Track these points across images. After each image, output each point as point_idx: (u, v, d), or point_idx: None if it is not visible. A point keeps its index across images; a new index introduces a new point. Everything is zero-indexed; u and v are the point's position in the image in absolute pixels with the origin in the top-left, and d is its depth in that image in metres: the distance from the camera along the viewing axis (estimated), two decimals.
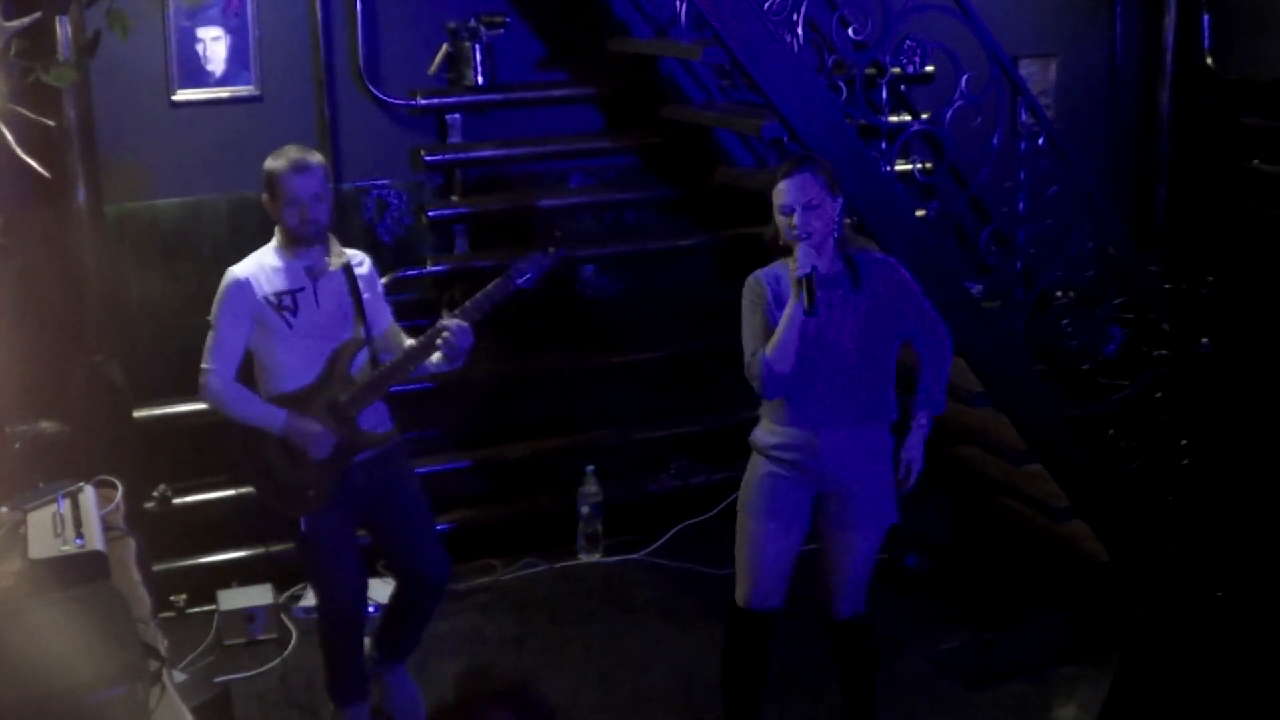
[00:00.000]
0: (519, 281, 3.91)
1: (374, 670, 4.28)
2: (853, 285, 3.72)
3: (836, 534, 3.86)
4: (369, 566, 4.41)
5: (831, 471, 3.79)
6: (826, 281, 3.68)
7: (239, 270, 3.86)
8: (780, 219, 3.68)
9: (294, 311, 3.84)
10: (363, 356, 3.95)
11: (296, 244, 3.86)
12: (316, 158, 3.86)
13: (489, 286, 3.91)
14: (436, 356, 3.91)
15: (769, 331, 3.68)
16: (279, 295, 3.84)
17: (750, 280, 3.79)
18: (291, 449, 3.86)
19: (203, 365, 3.85)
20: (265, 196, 3.85)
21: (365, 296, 3.97)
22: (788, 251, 3.69)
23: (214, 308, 3.86)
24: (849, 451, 3.78)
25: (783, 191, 3.65)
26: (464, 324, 3.86)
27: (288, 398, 3.87)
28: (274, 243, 3.92)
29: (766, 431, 3.84)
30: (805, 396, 3.73)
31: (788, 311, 3.63)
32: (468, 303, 3.91)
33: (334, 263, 3.92)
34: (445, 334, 3.84)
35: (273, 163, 3.82)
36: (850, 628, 3.96)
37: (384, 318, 4.08)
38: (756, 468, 3.87)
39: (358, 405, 3.90)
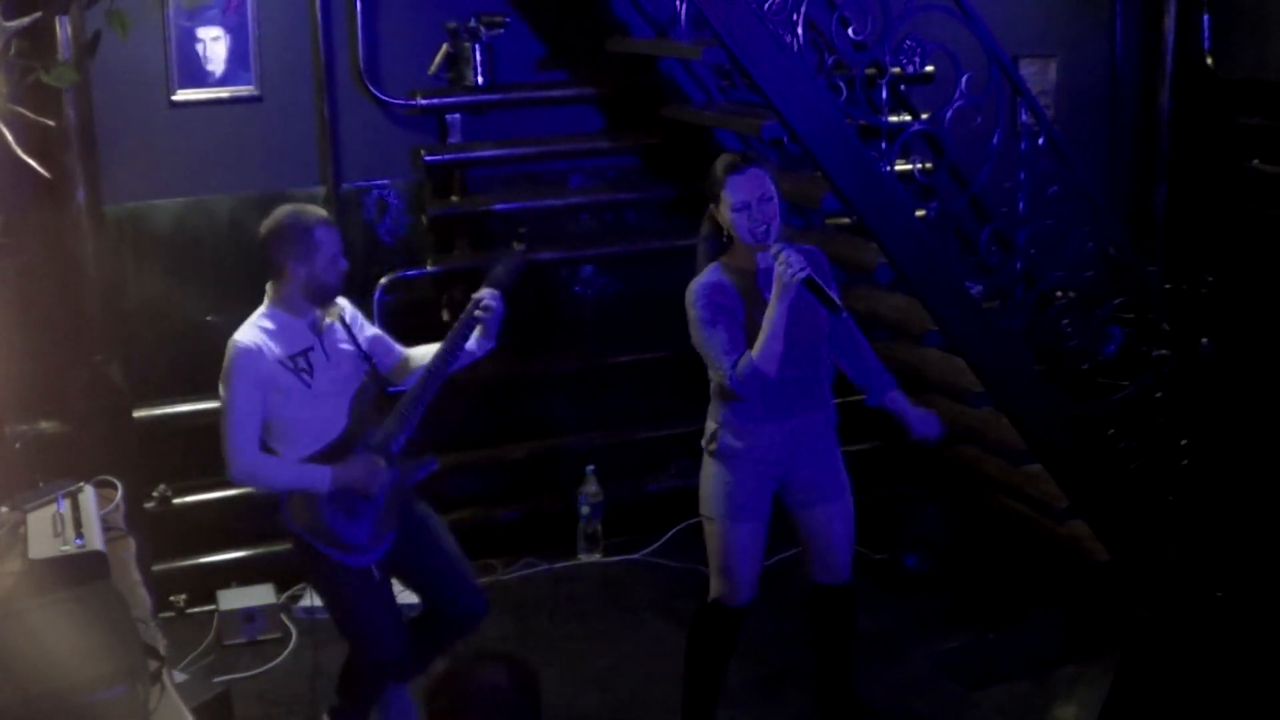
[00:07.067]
0: (521, 249, 3.89)
1: None
2: None
3: (819, 508, 3.97)
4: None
5: (797, 456, 3.90)
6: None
7: (245, 339, 3.62)
8: (730, 216, 3.72)
9: (310, 371, 3.67)
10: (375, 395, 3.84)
11: (315, 299, 3.69)
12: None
13: (503, 261, 3.88)
14: (474, 337, 3.81)
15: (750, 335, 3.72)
16: (292, 358, 3.65)
17: (701, 289, 3.79)
18: (345, 499, 3.69)
19: (227, 447, 3.61)
20: (288, 252, 3.61)
21: (366, 335, 3.87)
22: (713, 258, 3.81)
23: (226, 383, 3.62)
24: (812, 432, 3.92)
25: (736, 188, 3.69)
26: (496, 291, 3.79)
27: (318, 457, 3.69)
28: (267, 307, 3.71)
29: (732, 435, 3.86)
30: (778, 390, 3.76)
31: (771, 312, 3.65)
32: (491, 276, 3.84)
33: (331, 315, 3.76)
34: (484, 302, 3.76)
35: (301, 217, 3.65)
36: (848, 590, 4.08)
37: (391, 350, 3.93)
38: (719, 472, 3.89)
39: (397, 430, 3.76)
